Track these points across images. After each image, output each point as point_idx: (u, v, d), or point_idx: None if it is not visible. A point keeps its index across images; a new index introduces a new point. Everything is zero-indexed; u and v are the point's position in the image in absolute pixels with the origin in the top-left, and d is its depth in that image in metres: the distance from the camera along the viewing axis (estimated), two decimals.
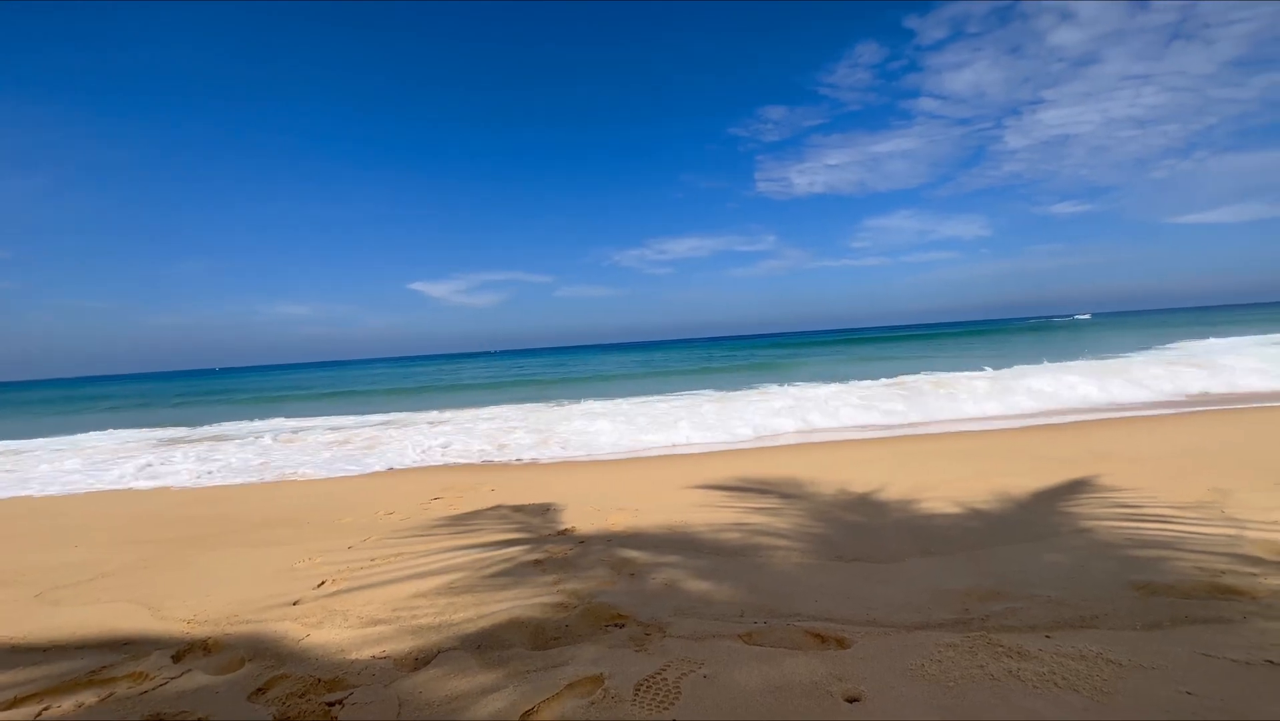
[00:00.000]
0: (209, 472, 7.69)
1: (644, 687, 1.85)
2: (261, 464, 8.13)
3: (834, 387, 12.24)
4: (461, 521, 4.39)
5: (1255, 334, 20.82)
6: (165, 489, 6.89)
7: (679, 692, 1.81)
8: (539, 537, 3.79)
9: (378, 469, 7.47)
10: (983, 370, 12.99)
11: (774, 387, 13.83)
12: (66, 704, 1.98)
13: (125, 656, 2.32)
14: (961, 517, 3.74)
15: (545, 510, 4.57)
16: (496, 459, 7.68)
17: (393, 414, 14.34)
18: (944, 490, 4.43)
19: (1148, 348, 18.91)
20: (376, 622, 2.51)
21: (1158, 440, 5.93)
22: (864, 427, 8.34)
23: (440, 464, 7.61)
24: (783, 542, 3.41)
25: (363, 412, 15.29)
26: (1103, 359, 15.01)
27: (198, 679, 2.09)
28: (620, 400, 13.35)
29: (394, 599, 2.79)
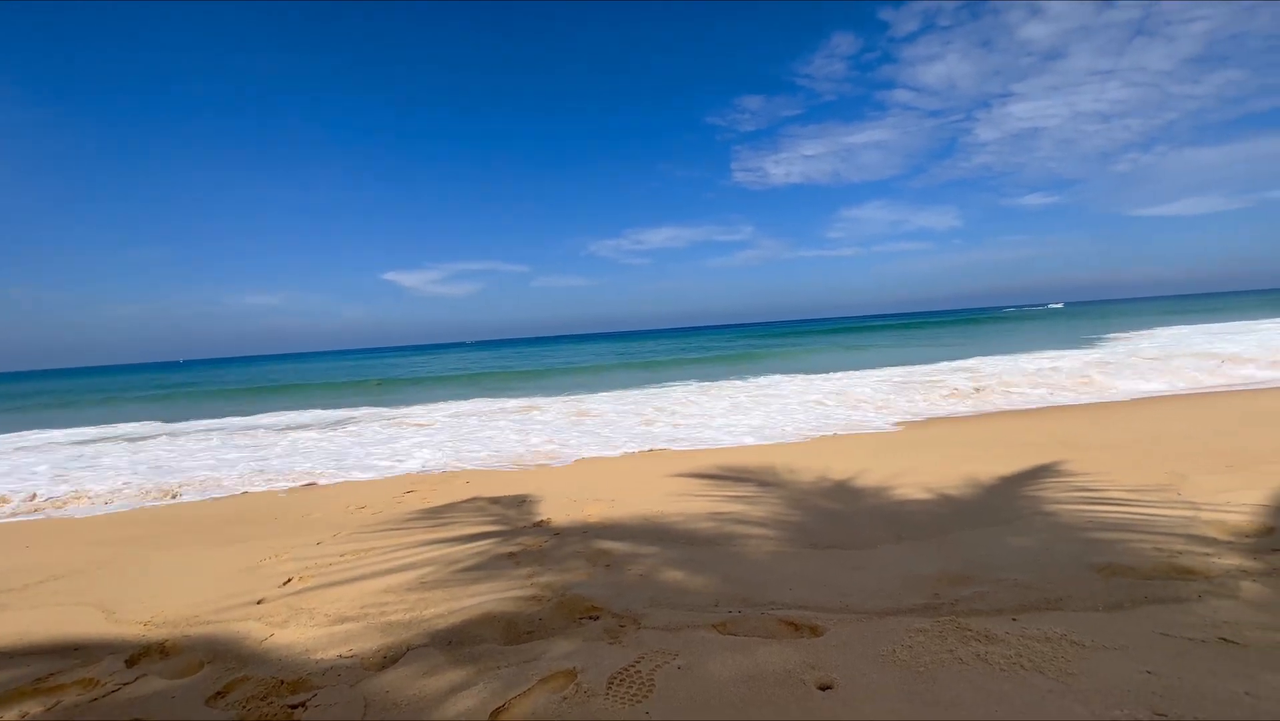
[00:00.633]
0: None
1: (617, 681, 1.82)
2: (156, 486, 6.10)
3: (810, 379, 12.36)
4: (435, 515, 4.31)
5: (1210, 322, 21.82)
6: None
7: (652, 685, 1.80)
8: (514, 530, 3.74)
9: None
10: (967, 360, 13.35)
11: (752, 380, 13.96)
12: (9, 714, 1.88)
13: (75, 662, 2.22)
14: (932, 503, 3.81)
15: (521, 502, 4.51)
16: (469, 463, 7.57)
17: (362, 409, 13.93)
18: (917, 476, 4.50)
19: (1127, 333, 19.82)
20: (344, 620, 2.44)
21: (1121, 427, 6.12)
22: (842, 423, 8.44)
23: (406, 472, 7.47)
24: (759, 531, 3.42)
25: (326, 407, 14.75)
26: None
27: (153, 683, 2.01)
28: (602, 393, 13.28)
29: (363, 595, 2.72)
